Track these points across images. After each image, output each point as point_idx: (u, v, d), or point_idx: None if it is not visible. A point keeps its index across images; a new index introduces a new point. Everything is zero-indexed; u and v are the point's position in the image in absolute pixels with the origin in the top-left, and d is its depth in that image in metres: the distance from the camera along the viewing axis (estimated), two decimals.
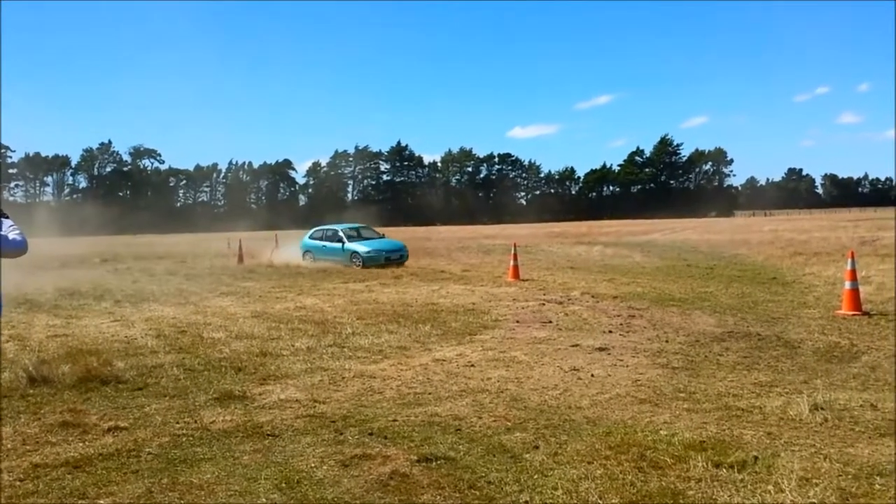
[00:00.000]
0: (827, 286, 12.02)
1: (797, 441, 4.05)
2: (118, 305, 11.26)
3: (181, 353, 7.05)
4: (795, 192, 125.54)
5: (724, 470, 3.57)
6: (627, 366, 6.21)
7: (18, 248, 3.88)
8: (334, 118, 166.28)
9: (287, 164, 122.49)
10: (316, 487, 3.49)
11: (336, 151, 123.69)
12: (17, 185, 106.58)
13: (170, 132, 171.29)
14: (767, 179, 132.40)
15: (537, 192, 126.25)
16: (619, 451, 3.87)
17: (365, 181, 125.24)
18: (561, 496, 3.33)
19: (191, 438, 4.30)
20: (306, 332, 8.25)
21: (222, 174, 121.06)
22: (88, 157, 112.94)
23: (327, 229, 21.06)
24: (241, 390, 5.43)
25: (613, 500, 3.26)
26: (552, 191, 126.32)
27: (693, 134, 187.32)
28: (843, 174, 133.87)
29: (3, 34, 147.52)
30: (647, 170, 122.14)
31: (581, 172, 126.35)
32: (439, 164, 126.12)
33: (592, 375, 5.85)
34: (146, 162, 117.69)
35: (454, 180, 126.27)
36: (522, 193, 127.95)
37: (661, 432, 4.23)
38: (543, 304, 10.41)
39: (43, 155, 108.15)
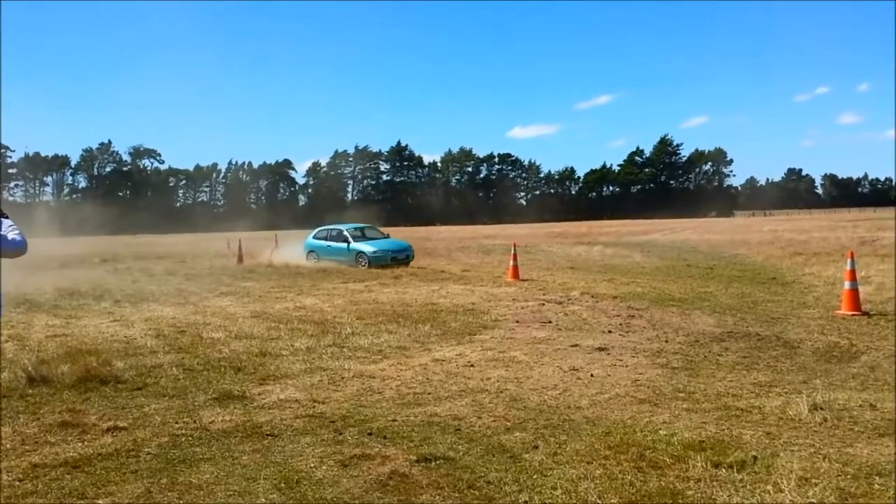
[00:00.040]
0: (826, 286, 12.03)
1: (796, 441, 4.05)
2: (118, 305, 11.26)
3: (180, 353, 7.04)
4: (795, 192, 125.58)
5: (724, 470, 3.57)
6: (627, 366, 6.21)
7: (18, 248, 3.88)
8: (334, 118, 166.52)
9: (287, 164, 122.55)
10: (315, 487, 3.49)
11: (336, 151, 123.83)
12: (16, 185, 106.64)
13: (169, 132, 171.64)
14: (767, 179, 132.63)
15: (537, 192, 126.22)
16: (619, 450, 3.87)
17: (365, 181, 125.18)
18: (560, 496, 3.33)
19: (190, 438, 4.29)
20: (306, 332, 8.25)
21: (222, 174, 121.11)
22: (88, 156, 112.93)
23: (332, 229, 20.82)
24: (240, 390, 5.43)
25: (612, 500, 3.26)
26: (552, 191, 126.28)
27: (693, 134, 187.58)
28: (842, 174, 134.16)
29: (3, 34, 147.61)
30: (646, 170, 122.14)
31: (581, 172, 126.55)
32: (439, 164, 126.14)
33: (592, 375, 5.85)
34: (146, 162, 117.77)
35: (454, 180, 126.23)
36: (522, 193, 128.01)
37: (661, 432, 4.23)
38: (543, 304, 10.41)
39: (42, 155, 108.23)
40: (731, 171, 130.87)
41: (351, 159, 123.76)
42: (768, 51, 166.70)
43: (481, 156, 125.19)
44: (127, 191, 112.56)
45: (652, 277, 14.63)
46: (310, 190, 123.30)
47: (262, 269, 18.98)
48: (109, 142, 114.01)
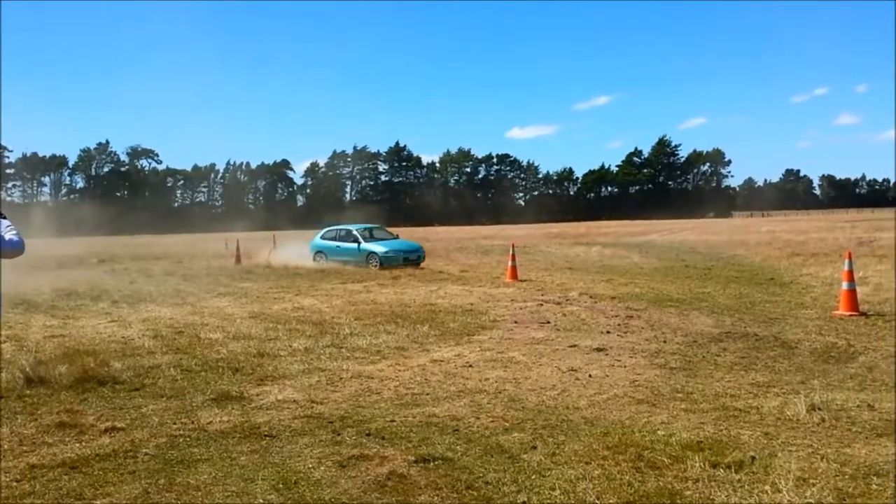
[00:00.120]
0: (824, 287, 12.05)
1: (794, 441, 4.05)
2: (115, 306, 11.25)
3: (178, 353, 7.03)
4: (793, 192, 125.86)
5: (722, 470, 3.57)
6: (625, 366, 6.22)
7: (16, 248, 3.87)
8: (333, 118, 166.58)
9: (285, 164, 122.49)
10: (313, 488, 3.49)
11: (334, 152, 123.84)
12: (14, 186, 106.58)
13: (168, 132, 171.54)
14: (765, 180, 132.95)
15: (535, 193, 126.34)
16: (617, 451, 3.87)
17: (363, 181, 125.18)
18: (558, 496, 3.33)
19: (188, 439, 4.29)
20: (304, 332, 8.24)
21: (220, 174, 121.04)
22: (86, 157, 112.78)
23: (340, 229, 20.47)
24: (238, 391, 5.42)
25: (611, 501, 3.26)
26: (550, 191, 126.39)
27: (691, 135, 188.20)
28: (840, 175, 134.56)
29: (2, 34, 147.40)
30: (645, 170, 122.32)
31: (579, 173, 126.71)
32: (438, 165, 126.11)
33: (590, 376, 5.86)
34: (144, 162, 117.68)
35: (452, 181, 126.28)
36: (521, 194, 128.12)
37: (659, 432, 4.23)
38: (541, 305, 10.41)
39: (40, 155, 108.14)
40: (730, 172, 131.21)
41: (349, 159, 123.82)
42: (766, 52, 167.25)
43: (480, 156, 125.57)
44: (125, 191, 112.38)
45: (650, 278, 14.64)
46: (308, 190, 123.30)
47: (260, 270, 18.97)
48: (107, 142, 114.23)
